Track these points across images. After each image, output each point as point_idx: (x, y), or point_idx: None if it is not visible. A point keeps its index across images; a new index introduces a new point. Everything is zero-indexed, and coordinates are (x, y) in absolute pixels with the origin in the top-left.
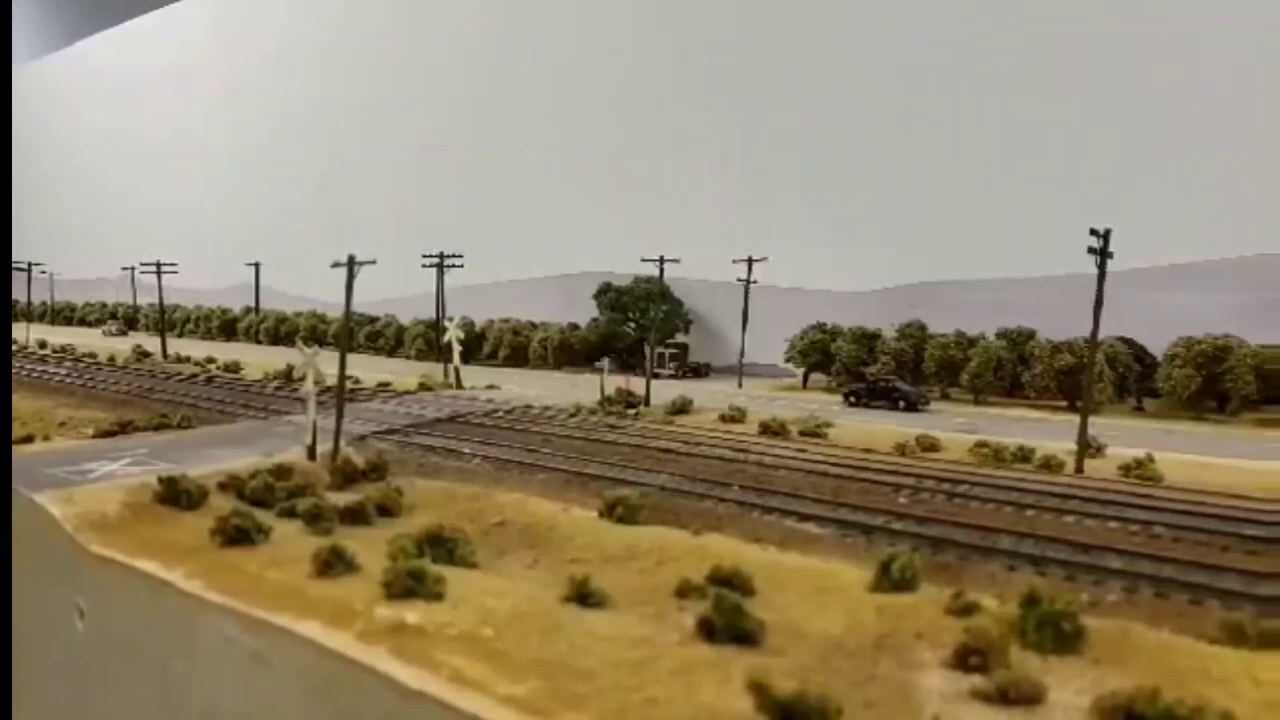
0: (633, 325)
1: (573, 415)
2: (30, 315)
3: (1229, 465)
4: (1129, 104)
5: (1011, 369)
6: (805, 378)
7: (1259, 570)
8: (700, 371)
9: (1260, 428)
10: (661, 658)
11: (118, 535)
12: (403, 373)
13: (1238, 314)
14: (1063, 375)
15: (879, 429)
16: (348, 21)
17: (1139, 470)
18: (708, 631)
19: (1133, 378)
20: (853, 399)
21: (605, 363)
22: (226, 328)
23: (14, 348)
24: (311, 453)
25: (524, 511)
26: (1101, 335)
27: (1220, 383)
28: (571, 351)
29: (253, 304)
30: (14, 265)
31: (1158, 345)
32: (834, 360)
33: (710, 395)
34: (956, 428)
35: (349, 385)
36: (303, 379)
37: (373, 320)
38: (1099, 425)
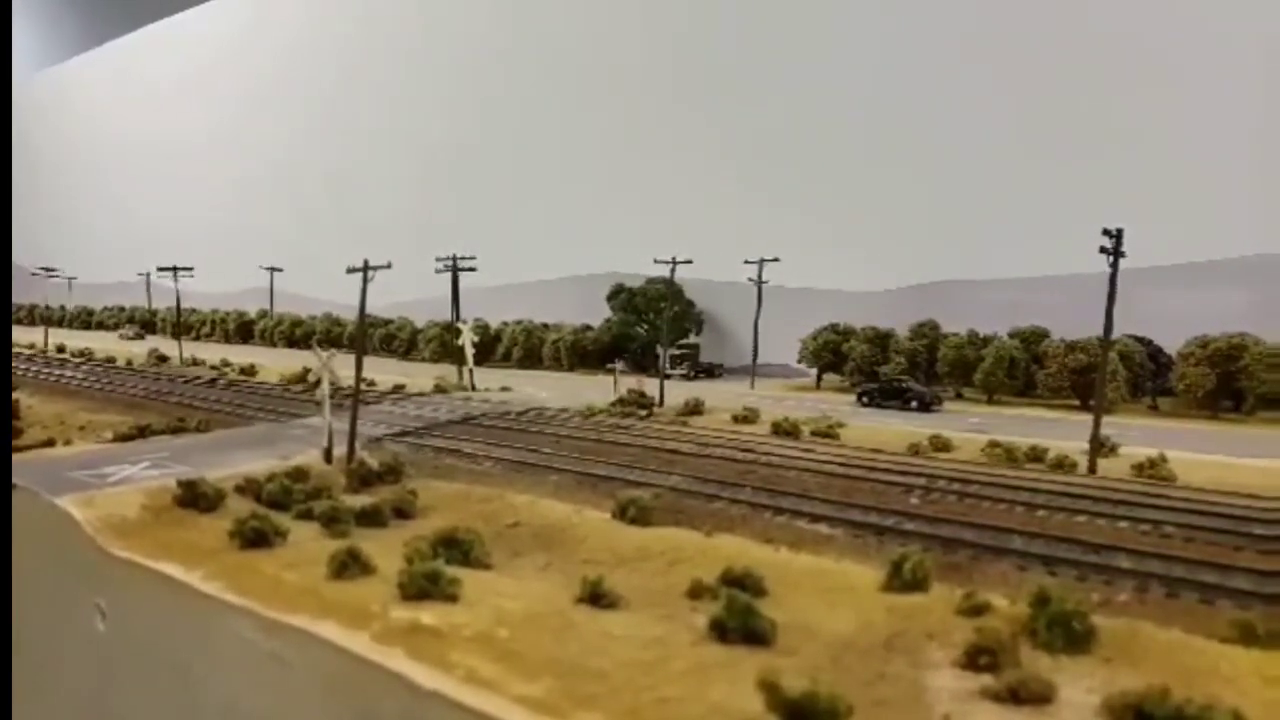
0: (645, 326)
1: (585, 417)
2: (49, 319)
3: (1243, 465)
4: (1142, 102)
5: (1025, 368)
6: (818, 378)
7: (1270, 570)
8: (713, 372)
9: (1276, 426)
10: (674, 658)
11: (138, 538)
12: (417, 375)
13: (1252, 312)
14: (1076, 374)
15: (891, 429)
16: (363, 27)
17: (1152, 470)
18: (719, 632)
19: (1147, 376)
20: (865, 399)
21: (618, 364)
22: (242, 331)
23: (32, 351)
24: (328, 455)
25: (537, 513)
26: (1115, 334)
27: (1235, 381)
28: (584, 353)
29: (268, 307)
30: (32, 271)
31: (1172, 344)
32: (847, 360)
33: (723, 396)
34: (969, 427)
35: (364, 388)
36: (318, 382)
37: (387, 323)
38: (1112, 424)
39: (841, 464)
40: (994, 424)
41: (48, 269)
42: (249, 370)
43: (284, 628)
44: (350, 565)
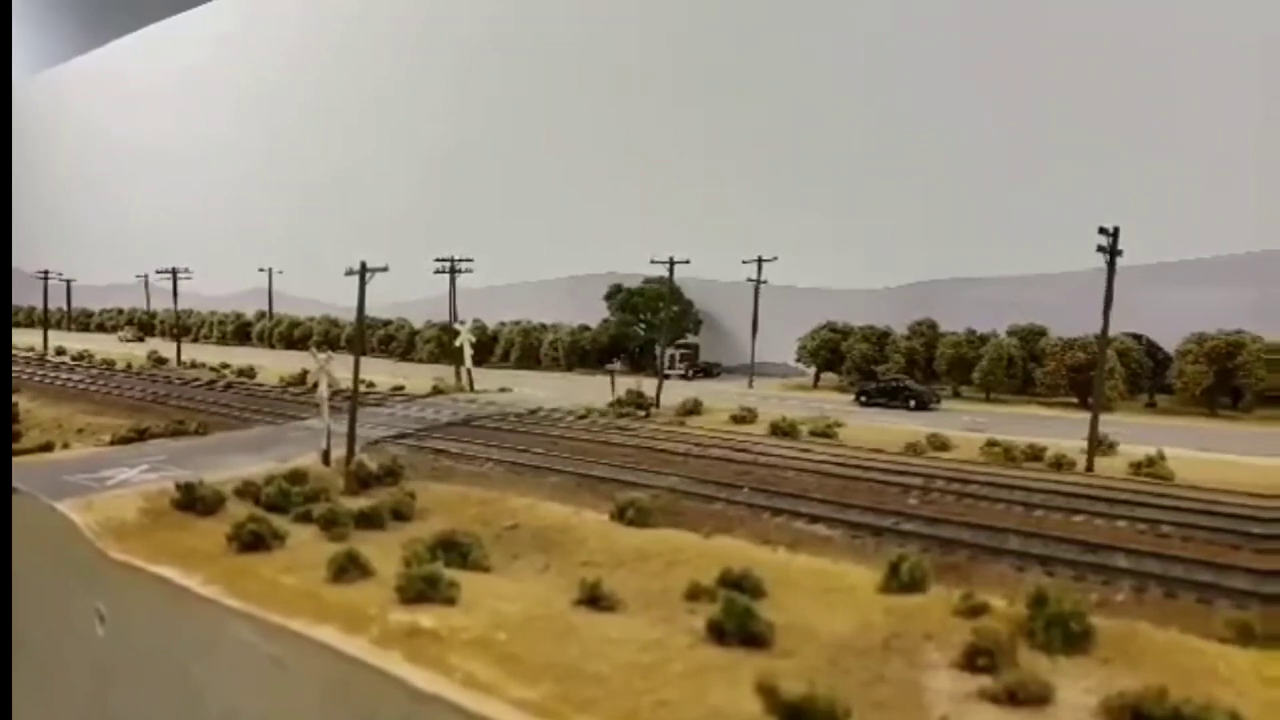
0: (643, 326)
1: (583, 417)
2: (49, 322)
3: (1241, 462)
4: (1139, 100)
5: (1023, 366)
6: (816, 377)
7: (1268, 569)
8: (711, 371)
9: (1273, 423)
10: (672, 660)
11: (137, 541)
12: (415, 376)
13: (1250, 310)
14: (1074, 372)
15: (889, 428)
16: (360, 29)
17: (1149, 468)
18: (718, 634)
19: (1145, 374)
20: (864, 398)
21: (616, 364)
22: (240, 332)
23: (33, 354)
24: (326, 458)
25: (536, 515)
26: (1113, 332)
27: (1233, 378)
28: (582, 353)
29: (266, 309)
30: (33, 274)
31: (1170, 341)
32: (845, 359)
33: (721, 395)
34: (967, 426)
35: (363, 390)
36: (316, 384)
37: (385, 324)
38: (1111, 422)
39: (839, 464)
40: (992, 422)
41: (47, 272)
42: (248, 372)
43: (283, 631)
44: (349, 568)
